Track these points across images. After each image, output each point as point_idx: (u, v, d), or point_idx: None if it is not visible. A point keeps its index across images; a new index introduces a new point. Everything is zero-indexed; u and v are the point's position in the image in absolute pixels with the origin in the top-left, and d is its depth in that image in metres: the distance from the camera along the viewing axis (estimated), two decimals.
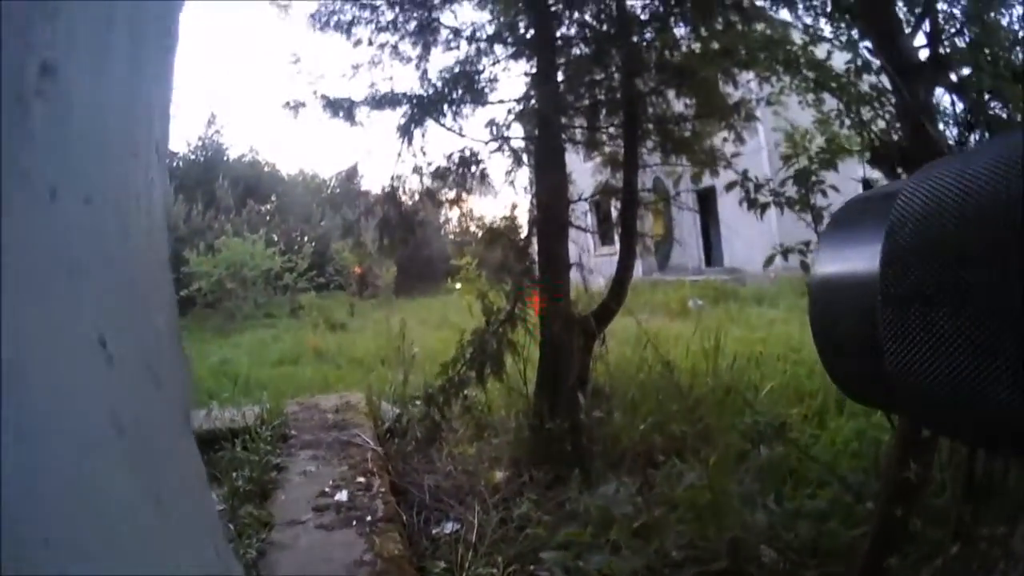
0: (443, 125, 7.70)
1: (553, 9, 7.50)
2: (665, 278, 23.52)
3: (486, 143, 7.80)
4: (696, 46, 7.57)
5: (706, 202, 22.50)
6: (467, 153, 7.74)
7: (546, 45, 7.48)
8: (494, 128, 7.74)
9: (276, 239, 27.01)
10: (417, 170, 7.72)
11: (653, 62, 7.62)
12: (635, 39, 7.57)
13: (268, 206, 32.66)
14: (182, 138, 47.36)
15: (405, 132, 7.57)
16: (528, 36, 7.72)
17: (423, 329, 10.47)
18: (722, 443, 6.01)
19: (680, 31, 7.76)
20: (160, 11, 1.55)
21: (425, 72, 7.76)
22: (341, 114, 7.73)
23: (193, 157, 37.36)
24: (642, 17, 7.73)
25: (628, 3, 7.69)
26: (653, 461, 6.45)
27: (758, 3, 7.36)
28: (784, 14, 7.37)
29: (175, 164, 36.16)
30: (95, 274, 1.08)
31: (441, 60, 7.91)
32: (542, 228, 7.39)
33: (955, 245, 0.77)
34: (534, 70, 7.76)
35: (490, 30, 7.95)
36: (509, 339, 7.12)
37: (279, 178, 37.41)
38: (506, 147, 7.92)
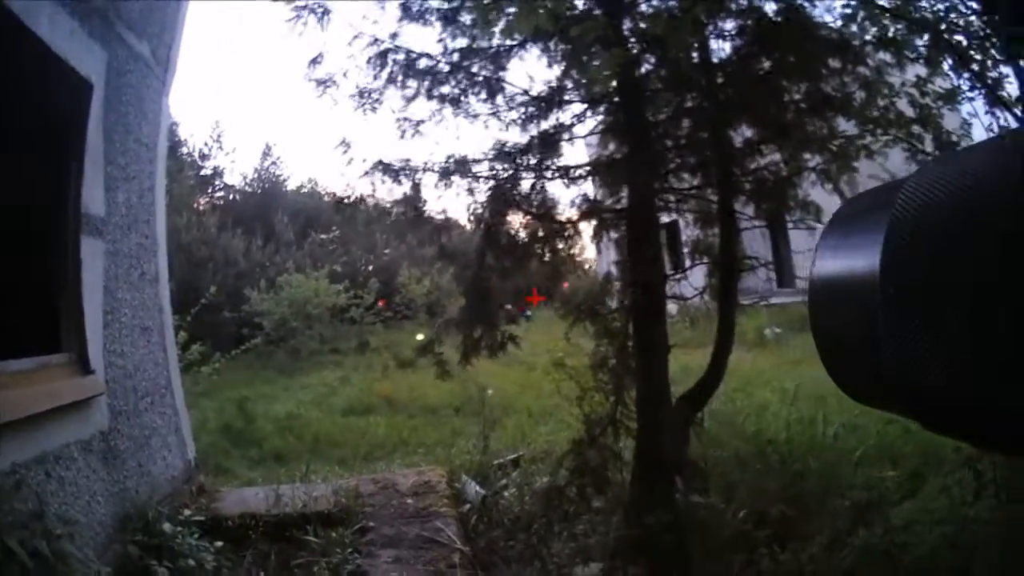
0: (523, 209, 7.23)
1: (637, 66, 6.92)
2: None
3: (573, 220, 7.36)
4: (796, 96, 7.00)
5: (773, 217, 21.89)
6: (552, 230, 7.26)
7: (632, 103, 6.98)
8: (578, 192, 7.31)
9: (339, 270, 26.81)
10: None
11: (746, 115, 7.05)
12: (726, 92, 7.00)
13: (330, 236, 32.50)
14: (238, 172, 47.88)
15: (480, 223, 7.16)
16: (613, 97, 7.18)
17: (493, 366, 10.18)
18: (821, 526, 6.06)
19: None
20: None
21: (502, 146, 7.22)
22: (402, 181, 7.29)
23: (250, 190, 37.36)
24: (727, 66, 7.16)
25: (714, 46, 7.18)
26: (755, 548, 6.11)
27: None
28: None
29: (232, 197, 36.25)
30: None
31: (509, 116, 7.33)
32: (639, 312, 6.90)
33: (955, 244, 0.86)
34: (614, 124, 7.30)
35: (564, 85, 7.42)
36: (613, 451, 6.69)
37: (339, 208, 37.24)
38: (594, 215, 7.47)
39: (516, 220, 7.31)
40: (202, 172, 35.56)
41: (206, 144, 37.03)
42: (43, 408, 5.11)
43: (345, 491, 7.87)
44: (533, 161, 7.15)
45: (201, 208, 30.60)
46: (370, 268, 30.50)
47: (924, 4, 6.97)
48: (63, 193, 6.03)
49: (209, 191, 36.05)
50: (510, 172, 7.12)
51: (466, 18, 7.13)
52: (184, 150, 33.64)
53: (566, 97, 7.28)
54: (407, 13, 7.15)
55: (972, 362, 0.85)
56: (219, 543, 6.44)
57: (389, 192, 7.45)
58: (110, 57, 6.62)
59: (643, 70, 7.02)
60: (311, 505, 7.55)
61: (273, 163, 39.38)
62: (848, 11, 7.03)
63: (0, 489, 4.31)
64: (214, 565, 6.09)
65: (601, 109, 7.47)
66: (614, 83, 6.82)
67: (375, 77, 7.11)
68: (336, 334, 25.03)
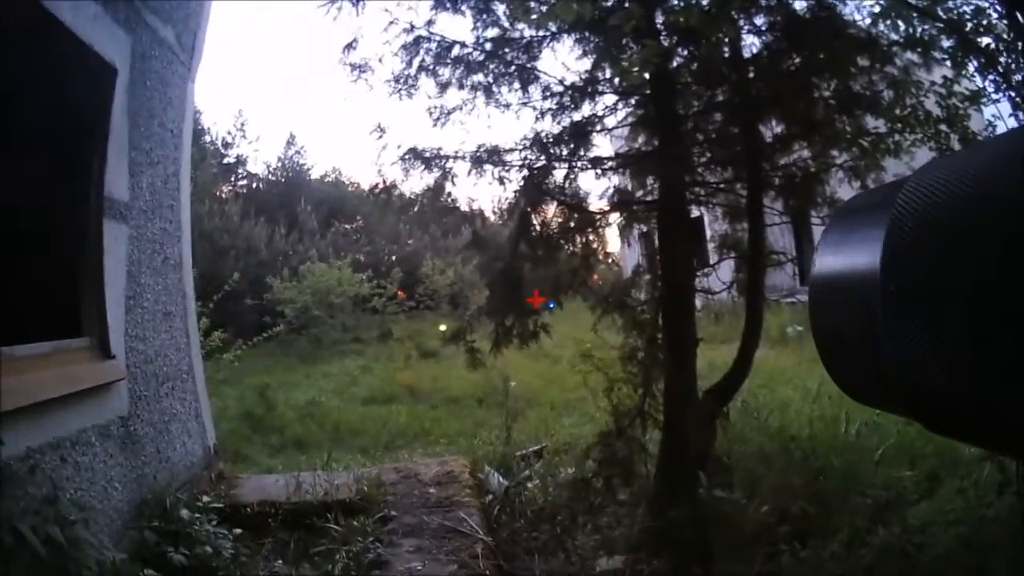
0: (556, 198, 7.21)
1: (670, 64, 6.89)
2: None
3: (605, 211, 7.35)
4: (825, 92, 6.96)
5: (799, 214, 21.76)
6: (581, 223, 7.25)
7: (664, 98, 6.99)
8: (607, 184, 7.31)
9: (362, 260, 26.83)
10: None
11: (776, 111, 7.02)
12: (757, 87, 6.98)
13: (353, 226, 32.52)
14: (261, 160, 48.02)
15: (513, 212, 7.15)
16: (645, 89, 7.15)
17: (518, 359, 10.18)
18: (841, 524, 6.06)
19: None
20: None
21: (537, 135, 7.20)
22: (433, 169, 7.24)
23: (273, 179, 37.44)
24: (759, 61, 7.13)
25: (744, 42, 7.14)
26: (775, 544, 6.11)
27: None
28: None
29: (255, 186, 36.35)
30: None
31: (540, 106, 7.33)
32: (669, 304, 6.91)
33: (955, 244, 0.84)
34: (644, 115, 7.28)
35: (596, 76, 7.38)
36: (640, 443, 6.67)
37: (364, 197, 37.30)
38: (625, 207, 7.47)
39: (549, 210, 7.32)
40: (225, 160, 35.69)
41: (229, 132, 37.25)
42: (60, 393, 5.12)
43: (367, 480, 7.84)
44: (565, 152, 7.15)
45: (224, 196, 30.68)
46: (393, 258, 30.52)
47: (951, 5, 6.96)
48: (86, 177, 6.05)
49: (232, 179, 36.21)
50: (543, 162, 7.12)
51: (499, 8, 7.12)
52: (207, 138, 33.76)
53: (598, 88, 7.26)
54: (439, 2, 7.13)
55: (972, 362, 0.85)
56: (237, 530, 6.44)
57: (419, 180, 7.39)
58: (134, 42, 6.64)
59: (674, 63, 6.99)
60: (332, 493, 7.53)
61: (297, 152, 39.47)
62: (878, 9, 7.02)
63: (13, 474, 4.28)
64: (232, 552, 6.06)
65: (632, 101, 7.48)
66: (646, 76, 6.79)
67: (408, 64, 7.11)
68: (358, 323, 25.10)
